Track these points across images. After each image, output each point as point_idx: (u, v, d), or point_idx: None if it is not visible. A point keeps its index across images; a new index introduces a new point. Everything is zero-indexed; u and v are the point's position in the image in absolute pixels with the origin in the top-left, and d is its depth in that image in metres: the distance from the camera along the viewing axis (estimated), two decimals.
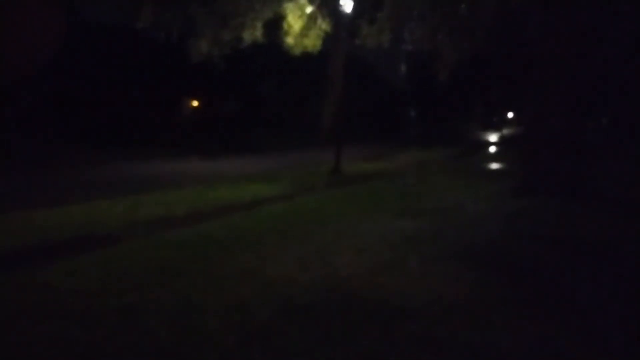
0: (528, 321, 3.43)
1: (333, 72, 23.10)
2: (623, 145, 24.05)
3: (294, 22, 14.31)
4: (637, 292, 4.08)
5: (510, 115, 48.79)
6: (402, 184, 11.41)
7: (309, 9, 14.57)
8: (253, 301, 3.67)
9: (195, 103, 27.67)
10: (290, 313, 3.49)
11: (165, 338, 3.08)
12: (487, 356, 2.95)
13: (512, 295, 3.96)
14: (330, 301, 3.72)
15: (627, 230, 6.32)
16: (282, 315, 3.45)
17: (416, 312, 3.53)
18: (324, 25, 14.97)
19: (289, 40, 14.61)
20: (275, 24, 14.56)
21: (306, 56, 16.28)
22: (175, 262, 4.65)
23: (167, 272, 4.33)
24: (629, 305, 3.82)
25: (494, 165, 17.11)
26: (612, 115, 29.02)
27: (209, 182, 10.65)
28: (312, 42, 15.18)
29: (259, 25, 13.67)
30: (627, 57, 17.71)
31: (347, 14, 12.75)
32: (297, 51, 15.13)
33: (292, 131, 26.24)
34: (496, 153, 24.75)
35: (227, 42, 13.57)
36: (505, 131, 45.38)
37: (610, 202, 8.30)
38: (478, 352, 2.97)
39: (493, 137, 43.21)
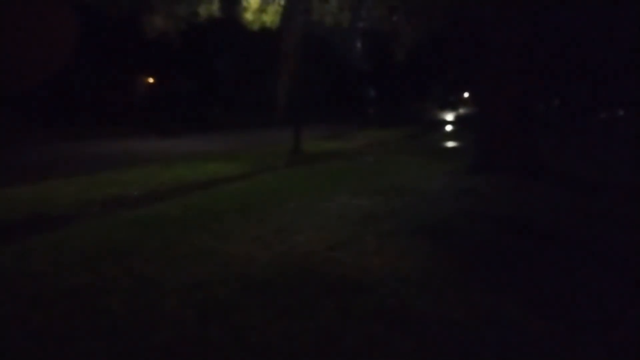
0: (478, 293, 3.58)
1: (286, 49, 22.64)
2: (573, 124, 25.11)
3: None
4: (570, 261, 4.33)
5: (466, 95, 49.99)
6: (361, 162, 11.55)
7: None
8: (211, 279, 3.68)
9: (150, 80, 26.84)
10: (249, 290, 3.52)
11: (120, 317, 3.06)
12: (439, 326, 3.06)
13: (463, 269, 4.12)
14: (289, 277, 3.77)
15: (570, 206, 6.66)
16: (241, 292, 3.48)
17: (372, 286, 3.63)
18: (282, 0, 14.72)
19: (247, 15, 14.29)
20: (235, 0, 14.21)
21: (265, 32, 16.02)
22: (131, 241, 4.58)
23: (123, 251, 4.27)
24: (568, 274, 4.05)
25: (450, 144, 17.54)
26: (563, 96, 30.16)
27: (166, 160, 10.45)
28: (271, 18, 14.90)
29: None
30: (579, 40, 18.38)
31: None
32: (255, 27, 14.83)
33: (251, 109, 25.95)
34: (452, 132, 25.32)
35: (183, 17, 13.14)
36: (461, 110, 46.49)
37: (558, 179, 8.69)
38: (430, 323, 3.09)
39: (449, 117, 44.16)
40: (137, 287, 3.53)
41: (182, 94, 26.07)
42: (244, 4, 13.89)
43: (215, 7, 13.29)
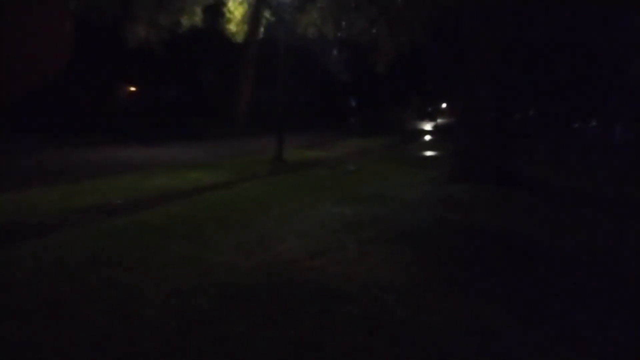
0: (457, 301, 3.65)
1: (249, 58, 22.53)
2: (548, 134, 25.66)
3: (234, 8, 14.11)
4: (544, 270, 4.47)
5: (444, 105, 50.76)
6: (342, 171, 11.65)
7: None
8: (193, 288, 3.68)
9: (133, 89, 26.63)
10: (230, 298, 3.53)
11: (101, 327, 3.04)
12: (419, 333, 3.11)
13: (443, 277, 4.19)
14: (271, 286, 3.79)
15: (544, 215, 6.84)
16: (222, 301, 3.48)
17: (353, 294, 3.67)
18: (265, 12, 14.86)
19: (231, 27, 14.39)
20: (217, 10, 14.29)
21: (248, 42, 16.14)
22: (112, 250, 4.55)
23: (103, 261, 4.24)
24: (542, 282, 4.17)
25: (429, 153, 17.78)
26: (538, 106, 30.85)
27: (148, 169, 10.38)
28: (254, 29, 15.04)
29: (198, 10, 13.37)
30: (554, 53, 18.87)
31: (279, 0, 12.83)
32: (239, 38, 14.94)
33: (233, 119, 25.87)
34: (431, 141, 25.65)
35: (165, 26, 13.17)
36: (440, 120, 47.16)
37: (533, 188, 8.90)
38: (410, 330, 3.14)
39: (428, 126, 44.73)
40: (117, 296, 3.51)
41: (165, 103, 25.92)
42: (228, 15, 14.01)
43: (198, 18, 13.38)
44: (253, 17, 15.75)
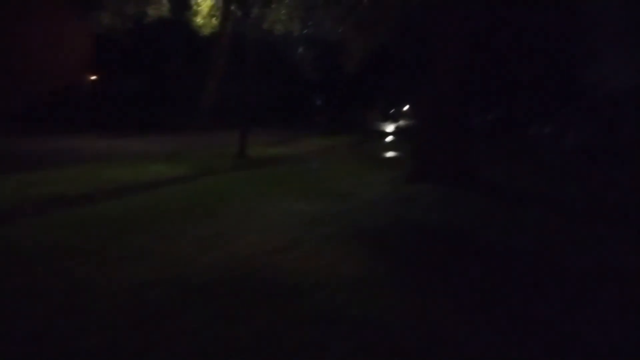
0: (413, 298, 3.75)
1: (217, 53, 22.36)
2: (505, 139, 26.52)
3: (202, 1, 13.95)
4: (494, 268, 4.68)
5: (407, 107, 51.75)
6: (305, 168, 11.72)
7: None
8: (147, 282, 3.65)
9: (94, 78, 25.85)
10: (187, 293, 3.51)
11: (53, 321, 2.99)
12: (372, 328, 3.18)
13: (397, 274, 4.29)
14: (228, 281, 3.80)
15: (497, 216, 7.12)
16: (178, 295, 3.46)
17: (309, 290, 3.72)
18: (233, 6, 14.75)
19: (198, 20, 14.22)
20: (184, 2, 14.09)
21: (216, 37, 15.98)
22: (67, 242, 4.46)
23: (58, 253, 4.15)
24: (492, 279, 4.35)
25: (391, 153, 18.08)
26: (496, 111, 31.83)
27: (108, 160, 10.16)
28: (223, 23, 14.91)
29: (165, 1, 13.15)
30: (515, 60, 19.50)
31: None
32: (206, 31, 14.78)
33: (199, 112, 25.54)
34: (393, 142, 26.06)
35: (131, 16, 12.89)
36: (402, 122, 48.04)
37: (489, 190, 9.22)
38: (364, 326, 3.20)
39: (391, 127, 45.41)
40: (69, 289, 3.45)
41: (128, 93, 25.28)
42: (195, 7, 13.84)
43: (164, 9, 13.16)
44: (222, 11, 15.61)
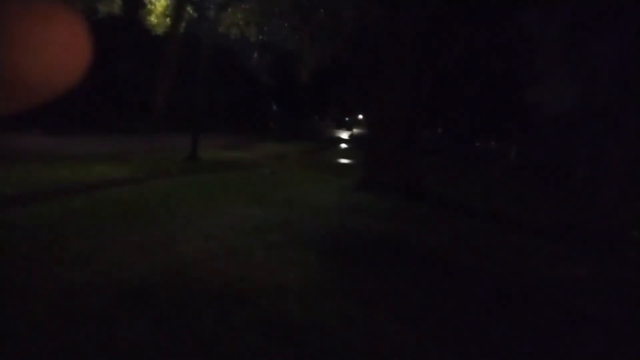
0: (355, 305, 3.79)
1: (169, 53, 22.03)
2: (452, 152, 27.41)
3: (156, 0, 13.66)
4: (438, 277, 4.83)
5: (360, 116, 52.55)
6: (257, 174, 11.66)
7: None
8: (84, 287, 3.52)
9: None
10: (124, 299, 3.41)
11: None
12: (314, 335, 3.19)
13: (343, 282, 4.34)
14: (169, 287, 3.71)
15: (442, 226, 7.36)
16: (115, 301, 3.36)
17: (254, 296, 3.69)
18: (188, 7, 14.54)
19: (152, 18, 13.89)
20: (138, 0, 13.73)
21: (169, 37, 15.67)
22: None
23: None
24: (435, 289, 4.50)
25: (343, 161, 18.31)
26: (446, 126, 32.86)
27: (50, 159, 9.72)
28: (176, 24, 14.65)
29: None
30: (463, 76, 20.22)
31: None
32: (159, 31, 14.46)
33: (150, 114, 24.91)
34: (346, 150, 26.39)
35: (80, 11, 12.46)
36: (355, 130, 48.82)
37: (435, 200, 9.52)
38: (306, 332, 3.21)
39: (345, 135, 46.00)
40: (1, 293, 3.29)
41: (74, 91, 24.32)
42: (149, 6, 13.52)
43: (116, 6, 12.78)
44: (175, 11, 15.34)
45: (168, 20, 14.37)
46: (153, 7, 13.77)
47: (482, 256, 5.77)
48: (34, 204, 6.09)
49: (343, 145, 30.54)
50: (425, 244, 6.10)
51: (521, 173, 20.05)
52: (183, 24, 16.49)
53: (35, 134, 14.07)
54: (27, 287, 3.44)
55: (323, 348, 3.06)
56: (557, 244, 7.02)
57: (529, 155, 23.82)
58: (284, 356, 2.89)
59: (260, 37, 13.41)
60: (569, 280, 5.20)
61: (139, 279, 3.83)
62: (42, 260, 4.02)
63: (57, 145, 12.62)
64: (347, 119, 55.83)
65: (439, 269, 5.09)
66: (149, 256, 4.42)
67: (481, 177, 16.32)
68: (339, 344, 3.13)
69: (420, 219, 7.61)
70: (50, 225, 5.08)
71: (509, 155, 24.95)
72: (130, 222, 5.55)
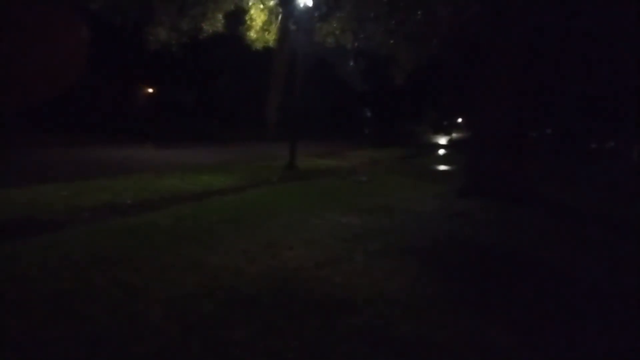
0: (462, 317, 3.60)
1: (278, 67, 22.78)
2: (564, 154, 25.41)
3: (256, 15, 14.19)
4: (552, 290, 4.40)
5: (459, 120, 50.72)
6: (354, 181, 11.63)
7: (271, 2, 14.47)
8: (197, 291, 3.67)
9: (150, 90, 26.99)
10: (235, 304, 3.50)
11: (103, 326, 3.04)
12: (422, 348, 3.07)
13: (447, 293, 4.13)
14: (276, 293, 3.77)
15: (555, 236, 6.74)
16: (226, 306, 3.46)
17: (358, 305, 3.63)
18: (285, 20, 14.94)
19: (251, 34, 14.46)
20: (237, 17, 14.38)
21: (267, 51, 16.24)
22: (119, 250, 4.57)
23: (110, 259, 4.26)
24: (549, 302, 4.10)
25: (442, 167, 17.71)
26: (556, 126, 30.57)
27: (161, 170, 10.48)
28: (274, 37, 15.12)
29: (220, 16, 13.46)
30: (574, 71, 18.72)
31: (300, 9, 12.95)
32: (258, 45, 15.01)
33: (249, 124, 26.14)
34: (445, 155, 25.57)
35: (186, 31, 13.30)
36: (454, 135, 47.14)
37: (546, 207, 8.80)
38: (414, 345, 3.10)
39: (443, 140, 44.64)
40: (122, 296, 3.51)
41: (181, 106, 26.23)
42: (248, 22, 14.08)
43: (219, 24, 13.46)
44: (281, 26, 15.91)
45: (267, 34, 14.86)
46: (253, 22, 14.30)
47: (606, 271, 5.18)
48: (150, 211, 6.55)
49: (441, 151, 29.65)
50: (537, 255, 5.62)
51: None
52: (288, 38, 17.01)
53: (147, 148, 15.29)
54: (146, 290, 3.66)
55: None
56: None
57: None
58: None
59: (356, 44, 13.39)
60: None
61: (246, 284, 3.93)
62: (159, 264, 4.28)
63: (168, 157, 13.59)
64: (445, 122, 54.22)
65: (550, 282, 4.64)
66: (255, 262, 4.54)
67: (598, 181, 14.90)
68: (447, 357, 2.99)
69: (530, 228, 7.06)
70: (165, 231, 5.42)
71: (630, 155, 22.59)
72: (235, 229, 5.76)
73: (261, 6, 14.15)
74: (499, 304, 3.97)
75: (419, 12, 10.21)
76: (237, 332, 3.08)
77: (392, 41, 11.77)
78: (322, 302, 3.66)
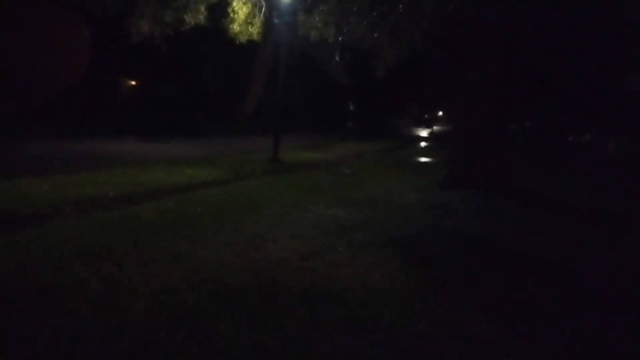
0: (443, 307, 3.68)
1: (262, 60, 22.59)
2: (543, 147, 25.84)
3: (238, 8, 14.10)
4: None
5: (440, 113, 51.26)
6: (338, 174, 11.69)
7: None
8: (182, 284, 3.69)
9: (133, 83, 26.63)
10: (219, 296, 3.53)
11: (87, 319, 3.04)
12: (404, 337, 3.14)
13: (429, 283, 4.22)
14: (260, 285, 3.80)
15: (535, 226, 6.91)
16: (211, 298, 3.49)
17: (342, 296, 3.69)
18: (268, 14, 14.87)
19: (234, 27, 14.37)
20: (221, 9, 14.26)
21: (252, 44, 16.16)
22: (103, 243, 4.54)
23: (94, 253, 4.24)
24: (528, 291, 4.22)
25: (424, 159, 17.88)
26: (534, 119, 31.04)
27: (145, 163, 10.39)
28: (258, 30, 15.05)
29: (202, 8, 13.35)
30: (553, 65, 18.99)
31: (283, 2, 12.94)
32: (242, 38, 14.92)
33: (233, 118, 25.96)
34: (426, 148, 25.76)
35: (169, 23, 13.16)
36: (436, 128, 47.59)
37: (525, 198, 8.98)
38: (396, 334, 3.17)
39: (424, 133, 44.99)
40: (105, 289, 3.51)
41: (164, 99, 25.94)
42: (231, 15, 13.99)
43: (202, 16, 13.36)
44: (264, 19, 15.82)
45: (250, 27, 14.77)
46: (236, 15, 14.20)
47: (577, 257, 5.36)
48: (134, 204, 6.52)
49: (423, 144, 29.90)
50: (515, 244, 5.77)
51: (621, 167, 18.46)
52: (271, 32, 16.92)
53: (129, 141, 15.13)
54: (130, 283, 3.66)
55: (413, 350, 3.00)
56: None
57: (630, 150, 21.83)
58: (374, 356, 2.87)
59: (339, 37, 13.40)
60: None
61: (232, 276, 3.96)
62: (142, 258, 4.27)
63: (151, 150, 13.46)
64: (426, 116, 54.72)
65: (530, 270, 4.79)
66: (239, 255, 4.56)
67: (575, 173, 15.23)
68: (429, 346, 3.06)
69: (510, 218, 7.22)
70: (148, 224, 5.41)
71: (605, 149, 23.10)
72: (219, 222, 5.77)
73: None
74: (480, 293, 4.07)
75: (401, 6, 10.26)
76: (222, 324, 3.10)
77: (375, 34, 11.82)
78: (306, 293, 3.70)
